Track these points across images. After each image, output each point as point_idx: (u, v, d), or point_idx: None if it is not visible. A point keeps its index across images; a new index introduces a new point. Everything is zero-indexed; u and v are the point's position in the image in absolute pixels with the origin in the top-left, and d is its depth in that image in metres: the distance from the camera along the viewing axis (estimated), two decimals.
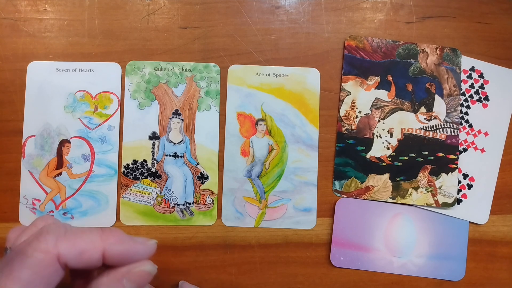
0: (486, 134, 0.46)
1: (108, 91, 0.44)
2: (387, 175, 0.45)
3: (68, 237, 0.24)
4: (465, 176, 0.45)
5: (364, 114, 0.45)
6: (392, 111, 0.45)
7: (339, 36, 0.46)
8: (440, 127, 0.45)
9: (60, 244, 0.23)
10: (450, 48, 0.46)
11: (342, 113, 0.45)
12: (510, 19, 0.47)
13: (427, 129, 0.45)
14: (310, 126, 0.45)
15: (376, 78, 0.45)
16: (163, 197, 0.44)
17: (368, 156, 0.45)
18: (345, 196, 0.45)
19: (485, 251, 0.45)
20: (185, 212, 0.44)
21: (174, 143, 0.44)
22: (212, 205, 0.44)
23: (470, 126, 0.46)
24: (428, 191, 0.44)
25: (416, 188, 0.45)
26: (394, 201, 0.44)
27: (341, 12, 0.46)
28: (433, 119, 0.45)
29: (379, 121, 0.45)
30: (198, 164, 0.44)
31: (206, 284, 0.44)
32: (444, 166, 0.45)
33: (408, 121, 0.45)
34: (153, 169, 0.44)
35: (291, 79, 0.45)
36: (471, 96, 0.46)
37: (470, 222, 0.45)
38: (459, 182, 0.45)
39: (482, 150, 0.45)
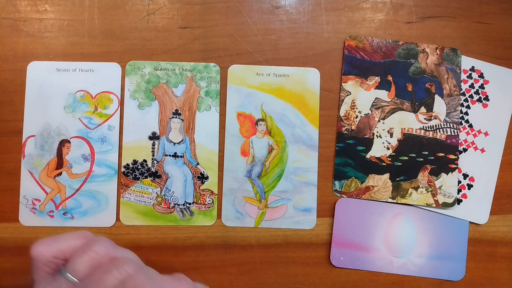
0: (486, 134, 0.46)
1: (108, 91, 0.44)
2: (387, 175, 0.45)
3: None
4: (465, 176, 0.45)
5: (364, 114, 0.45)
6: (392, 111, 0.45)
7: (339, 36, 0.46)
8: (440, 127, 0.45)
9: None
10: (450, 48, 0.46)
11: (342, 113, 0.45)
12: (510, 19, 0.47)
13: (427, 129, 0.45)
14: (310, 126, 0.45)
15: (376, 78, 0.45)
16: (163, 197, 0.44)
17: (368, 156, 0.45)
18: (345, 196, 0.45)
19: (485, 251, 0.45)
20: (185, 212, 0.44)
21: (174, 143, 0.44)
22: (212, 205, 0.44)
23: (470, 126, 0.46)
24: (428, 191, 0.44)
25: (416, 188, 0.45)
26: (394, 201, 0.44)
27: (341, 12, 0.46)
28: (433, 119, 0.45)
29: (379, 121, 0.45)
30: (198, 164, 0.44)
31: (206, 284, 0.44)
32: (444, 166, 0.45)
33: (408, 121, 0.45)
34: (153, 169, 0.44)
35: (291, 79, 0.45)
36: (471, 96, 0.46)
37: (470, 222, 0.45)
38: (459, 182, 0.45)
39: (482, 150, 0.45)
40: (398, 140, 0.45)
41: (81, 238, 0.30)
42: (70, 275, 0.27)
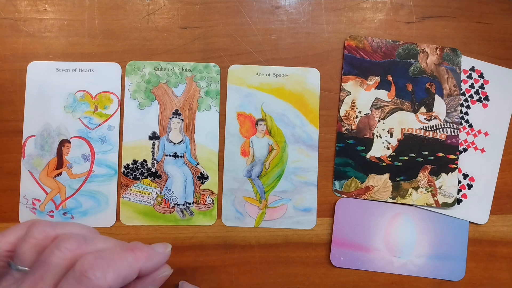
0: (486, 134, 0.46)
1: (108, 91, 0.44)
2: (387, 175, 0.45)
3: (112, 267, 0.27)
4: (465, 176, 0.45)
5: (364, 114, 0.45)
6: (392, 111, 0.45)
7: (339, 36, 0.46)
8: (440, 127, 0.45)
9: (108, 277, 0.26)
10: (450, 48, 0.46)
11: (342, 113, 0.45)
12: (510, 19, 0.47)
13: (427, 129, 0.45)
14: (310, 126, 0.45)
15: (376, 78, 0.45)
16: (163, 197, 0.44)
17: (368, 156, 0.45)
18: (345, 196, 0.45)
19: (485, 251, 0.45)
20: (185, 212, 0.44)
21: (174, 143, 0.44)
22: (212, 205, 0.44)
23: (470, 126, 0.46)
24: (428, 191, 0.44)
25: (416, 188, 0.45)
26: (394, 201, 0.44)
27: (341, 12, 0.46)
28: (433, 119, 0.45)
29: (379, 121, 0.45)
30: (198, 164, 0.44)
31: (206, 284, 0.44)
32: (444, 166, 0.45)
33: (408, 121, 0.45)
34: (153, 169, 0.44)
35: (291, 79, 0.45)
36: (471, 96, 0.46)
37: (470, 222, 0.45)
38: (459, 182, 0.45)
39: (482, 150, 0.45)
40: (398, 140, 0.45)
41: (26, 227, 0.30)
42: (18, 266, 0.28)
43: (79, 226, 0.30)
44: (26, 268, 0.27)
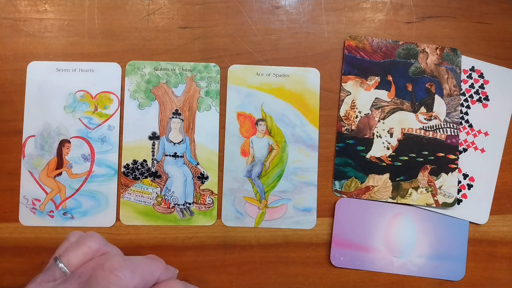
0: (486, 134, 0.46)
1: (108, 91, 0.44)
2: (387, 175, 0.45)
3: (138, 271, 0.31)
4: (465, 176, 0.45)
5: (364, 114, 0.45)
6: (392, 111, 0.45)
7: (339, 36, 0.46)
8: (440, 127, 0.45)
9: (134, 279, 0.30)
10: (450, 48, 0.46)
11: (342, 113, 0.45)
12: (510, 19, 0.47)
13: (427, 129, 0.45)
14: (310, 126, 0.45)
15: (376, 78, 0.45)
16: (163, 197, 0.44)
17: (368, 156, 0.45)
18: (345, 196, 0.45)
19: (485, 251, 0.45)
20: (185, 212, 0.44)
21: (174, 143, 0.44)
22: (212, 205, 0.44)
23: (470, 126, 0.46)
24: (428, 191, 0.44)
25: (416, 188, 0.45)
26: (394, 201, 0.44)
27: (341, 12, 0.46)
28: (433, 119, 0.45)
29: (379, 121, 0.45)
30: (198, 164, 0.44)
31: (206, 284, 0.44)
32: (444, 166, 0.45)
33: (408, 121, 0.45)
34: (153, 169, 0.44)
35: (291, 79, 0.45)
36: (471, 96, 0.46)
37: (470, 222, 0.45)
38: (459, 182, 0.45)
39: (482, 150, 0.45)
40: (398, 140, 0.45)
41: (80, 236, 0.34)
42: (63, 265, 0.30)
43: (120, 251, 0.36)
44: (68, 271, 0.30)
